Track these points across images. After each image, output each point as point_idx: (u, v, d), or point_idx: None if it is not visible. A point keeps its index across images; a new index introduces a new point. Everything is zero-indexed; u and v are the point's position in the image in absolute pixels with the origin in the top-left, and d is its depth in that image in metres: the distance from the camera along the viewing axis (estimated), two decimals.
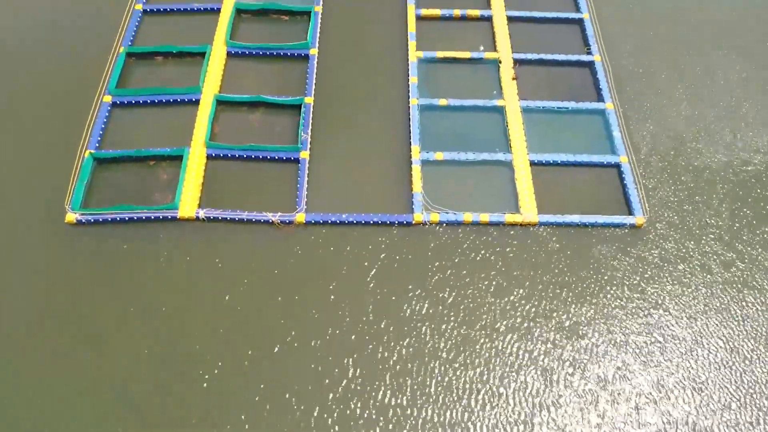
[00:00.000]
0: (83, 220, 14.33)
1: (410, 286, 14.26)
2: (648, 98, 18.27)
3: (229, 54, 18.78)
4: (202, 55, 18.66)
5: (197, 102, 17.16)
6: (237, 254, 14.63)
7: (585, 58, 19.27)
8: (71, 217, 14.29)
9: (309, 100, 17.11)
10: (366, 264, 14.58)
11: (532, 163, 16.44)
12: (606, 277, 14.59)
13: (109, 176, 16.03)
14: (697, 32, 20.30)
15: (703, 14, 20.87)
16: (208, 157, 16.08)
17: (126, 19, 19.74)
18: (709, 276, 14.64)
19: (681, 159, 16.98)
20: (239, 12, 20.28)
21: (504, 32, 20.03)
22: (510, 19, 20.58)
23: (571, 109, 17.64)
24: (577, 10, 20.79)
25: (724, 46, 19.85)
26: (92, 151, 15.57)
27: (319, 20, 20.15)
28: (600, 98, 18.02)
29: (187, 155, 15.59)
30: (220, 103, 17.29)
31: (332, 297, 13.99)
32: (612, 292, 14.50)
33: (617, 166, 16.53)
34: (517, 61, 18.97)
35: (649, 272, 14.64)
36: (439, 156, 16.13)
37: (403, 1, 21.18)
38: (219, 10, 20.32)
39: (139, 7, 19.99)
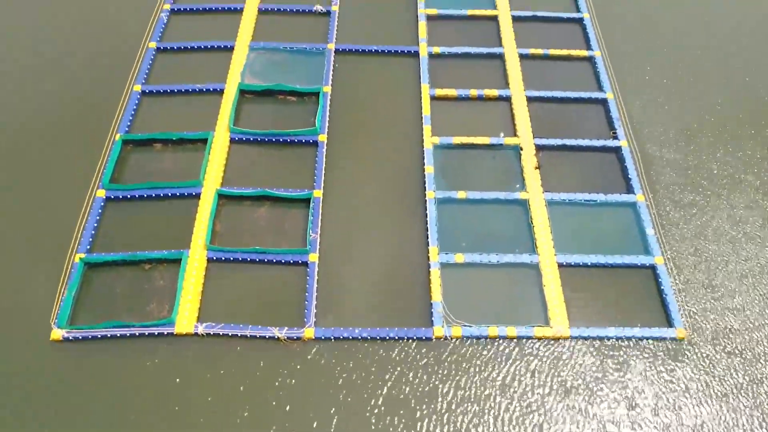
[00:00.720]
0: (70, 338, 12.82)
1: (424, 412, 12.82)
2: (683, 190, 17.01)
3: (232, 140, 17.61)
4: (204, 141, 17.43)
5: (198, 196, 15.85)
6: (238, 374, 13.29)
7: (611, 143, 18.02)
8: (57, 334, 12.93)
9: (318, 193, 15.88)
10: (378, 385, 13.22)
11: (560, 265, 15.08)
12: (643, 400, 13.12)
13: (101, 283, 14.68)
14: (741, 117, 19.11)
15: (750, 95, 19.68)
16: (209, 260, 14.69)
17: (124, 101, 18.63)
18: (756, 404, 13.14)
19: (723, 263, 15.61)
20: (243, 93, 19.15)
21: (524, 114, 18.87)
22: (530, 99, 19.47)
23: (599, 202, 16.29)
24: (600, 89, 19.60)
25: None
26: (83, 255, 14.15)
27: (329, 102, 18.97)
28: (630, 189, 16.70)
29: (186, 259, 14.20)
30: (222, 198, 15.97)
31: (335, 424, 12.52)
32: (648, 418, 13.00)
33: (653, 268, 15.14)
34: (539, 148, 17.70)
35: (689, 396, 13.18)
36: (460, 258, 14.78)
37: (416, 81, 20.06)
38: (222, 90, 19.20)
39: (138, 88, 18.90)
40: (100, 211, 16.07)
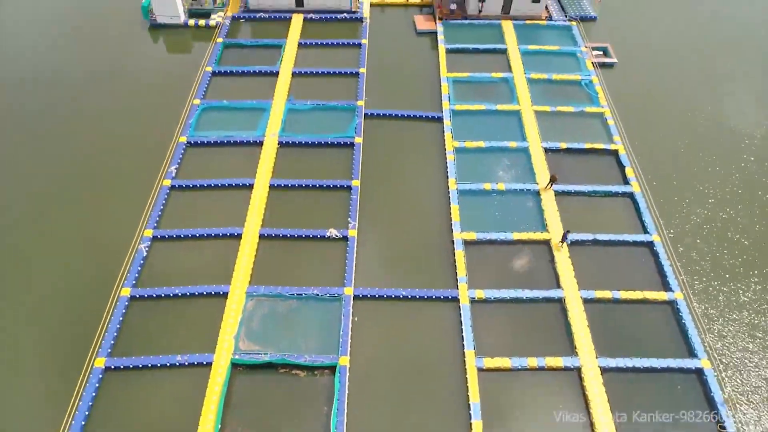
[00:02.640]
0: None
1: None
2: None
3: None
4: None
5: None
6: None
7: None
8: None
9: None
10: None
11: None
12: None
13: None
14: None
15: None
16: None
17: (84, 379, 14.29)
18: None
19: None
20: (236, 367, 14.84)
21: (600, 394, 14.60)
22: (605, 370, 15.44)
23: None
24: (693, 354, 15.40)
25: None
26: None
27: (347, 380, 14.57)
28: None
29: None
30: None
31: None
32: None
33: None
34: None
35: None
36: None
37: (456, 341, 16.05)
38: (210, 364, 14.99)
39: (101, 362, 14.59)
40: None
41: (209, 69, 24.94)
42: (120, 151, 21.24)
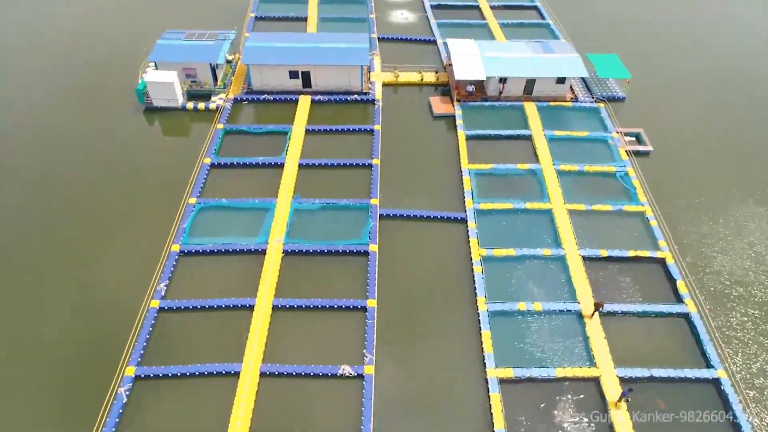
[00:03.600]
0: None
1: None
2: None
3: None
4: None
5: None
6: None
7: None
8: None
9: None
10: None
11: None
12: None
13: None
14: None
15: None
16: None
17: None
18: None
19: None
20: None
21: None
22: None
23: None
24: None
25: None
26: None
27: None
28: None
29: None
30: None
31: None
32: None
33: None
34: None
35: None
36: None
37: None
38: None
39: None
40: None
41: (207, 161, 22.64)
42: (103, 262, 18.70)
